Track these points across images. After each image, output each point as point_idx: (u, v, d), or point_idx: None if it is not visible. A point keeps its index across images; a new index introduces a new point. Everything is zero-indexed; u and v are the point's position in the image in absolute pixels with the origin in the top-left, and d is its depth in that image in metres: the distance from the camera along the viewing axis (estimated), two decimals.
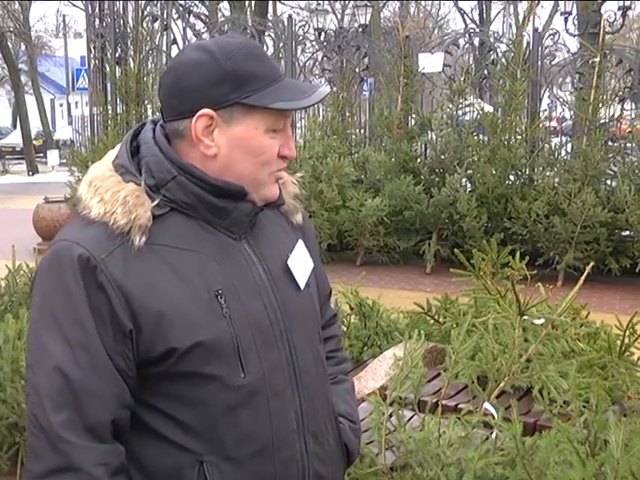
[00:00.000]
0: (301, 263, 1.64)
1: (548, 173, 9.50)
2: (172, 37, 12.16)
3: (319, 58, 11.69)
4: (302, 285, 1.61)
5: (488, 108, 10.40)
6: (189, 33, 12.10)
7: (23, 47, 34.04)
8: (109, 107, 12.30)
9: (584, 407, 2.55)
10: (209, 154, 1.48)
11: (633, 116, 10.00)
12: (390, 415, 2.71)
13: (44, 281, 1.46)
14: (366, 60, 11.27)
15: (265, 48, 13.39)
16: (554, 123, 11.40)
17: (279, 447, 1.52)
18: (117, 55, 12.18)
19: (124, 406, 1.43)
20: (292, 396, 1.54)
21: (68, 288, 1.40)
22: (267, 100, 1.46)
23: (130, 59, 12.10)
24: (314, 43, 11.74)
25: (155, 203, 1.46)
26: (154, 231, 1.45)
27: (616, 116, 9.60)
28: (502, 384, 2.97)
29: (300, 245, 1.67)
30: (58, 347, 1.39)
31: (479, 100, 10.60)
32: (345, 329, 4.22)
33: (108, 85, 12.35)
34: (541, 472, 2.14)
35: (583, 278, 2.99)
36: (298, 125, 12.01)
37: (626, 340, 3.35)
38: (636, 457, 1.96)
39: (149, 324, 1.41)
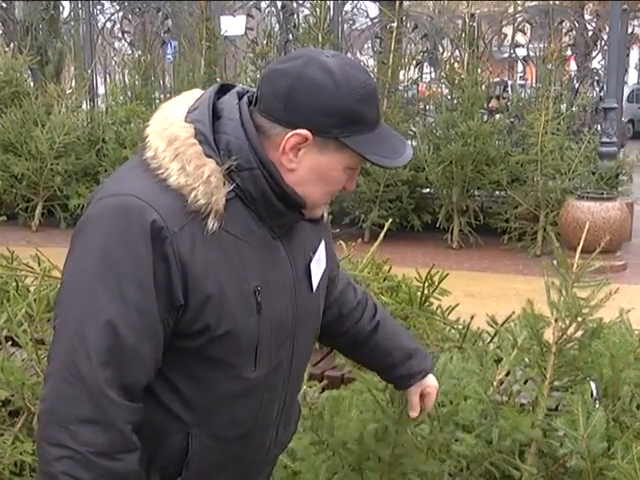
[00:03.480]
0: (319, 265, 1.67)
1: None
2: None
3: (119, 20, 11.29)
4: (315, 287, 1.64)
5: None
6: None
7: None
8: None
9: None
10: (287, 167, 1.48)
11: (430, 79, 10.45)
12: None
13: (106, 233, 1.38)
14: (169, 22, 11.02)
15: (61, 9, 12.81)
16: None
17: (257, 434, 1.60)
18: None
19: (156, 370, 1.45)
20: (283, 391, 1.61)
21: (137, 250, 1.37)
22: (364, 149, 1.46)
23: None
24: (114, 4, 11.34)
25: (230, 189, 1.44)
26: None
27: (414, 79, 9.99)
28: None
29: (322, 247, 1.69)
30: (114, 304, 1.37)
31: None
32: None
33: None
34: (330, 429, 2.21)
35: (383, 234, 3.10)
36: (102, 91, 11.61)
37: (426, 291, 3.51)
38: None
39: (196, 304, 1.42)
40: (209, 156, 1.43)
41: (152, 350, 1.41)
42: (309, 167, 1.48)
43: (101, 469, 1.36)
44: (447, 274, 3.52)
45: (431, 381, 1.93)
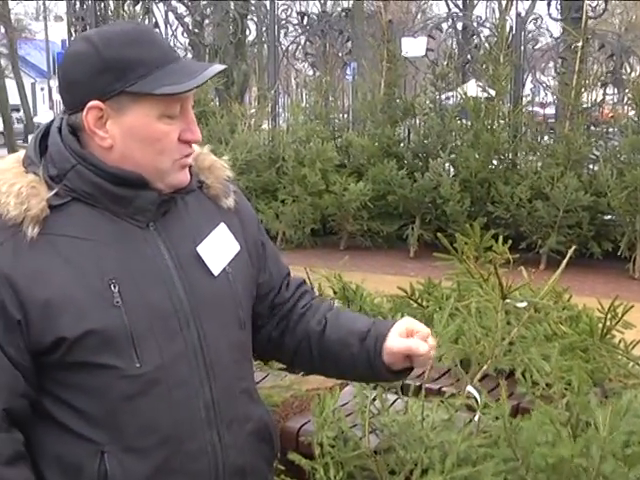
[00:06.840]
0: (218, 248, 1.61)
1: (531, 157, 9.53)
2: (154, 20, 12.04)
3: (302, 42, 11.63)
4: (216, 271, 1.59)
5: (472, 92, 10.40)
6: (171, 16, 12.00)
7: (2, 30, 33.60)
8: None
9: (566, 389, 2.57)
10: (105, 145, 1.48)
11: (615, 101, 10.04)
12: (374, 399, 2.71)
13: None
14: (349, 44, 11.23)
15: (247, 32, 13.34)
16: (538, 109, 11.38)
17: (185, 438, 1.52)
18: None
19: (19, 395, 1.44)
20: (200, 386, 1.53)
21: None
22: (151, 86, 1.44)
23: None
24: (297, 27, 11.68)
25: (52, 193, 1.46)
26: (51, 221, 1.45)
27: (598, 101, 9.63)
28: (485, 367, 2.97)
29: (220, 229, 1.64)
30: None
31: (464, 85, 10.60)
32: None
33: None
34: (527, 451, 2.15)
35: (565, 261, 3.00)
36: (281, 111, 11.97)
37: (608, 323, 3.36)
38: (619, 437, 1.98)
39: (37, 314, 1.42)
40: (30, 172, 1.47)
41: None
42: (122, 135, 1.47)
43: None
44: (632, 306, 3.36)
45: (408, 322, 1.76)
